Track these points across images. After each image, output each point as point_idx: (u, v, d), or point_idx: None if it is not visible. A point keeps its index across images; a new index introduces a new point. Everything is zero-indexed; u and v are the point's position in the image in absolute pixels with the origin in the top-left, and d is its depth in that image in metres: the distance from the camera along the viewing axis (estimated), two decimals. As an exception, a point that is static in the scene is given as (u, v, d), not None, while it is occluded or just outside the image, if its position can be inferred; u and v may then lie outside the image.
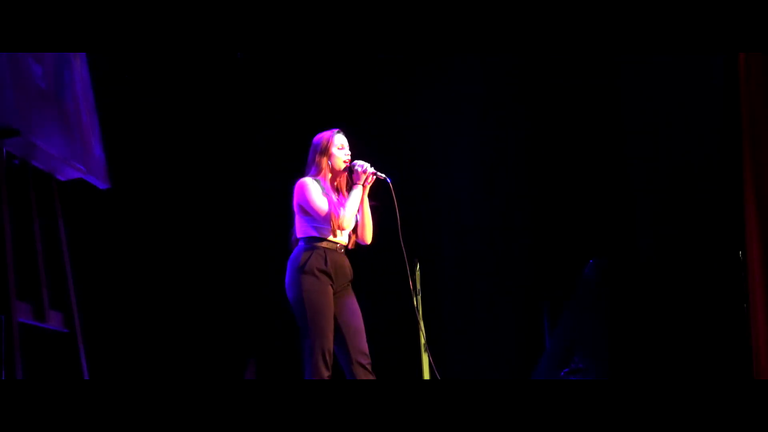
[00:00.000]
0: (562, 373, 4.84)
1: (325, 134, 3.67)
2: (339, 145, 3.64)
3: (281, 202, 5.96)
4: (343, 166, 3.65)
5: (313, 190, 3.58)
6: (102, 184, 3.68)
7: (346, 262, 3.69)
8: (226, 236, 5.93)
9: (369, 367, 3.61)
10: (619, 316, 5.58)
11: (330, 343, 3.53)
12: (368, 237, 3.75)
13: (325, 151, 3.63)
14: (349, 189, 3.65)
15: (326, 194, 3.59)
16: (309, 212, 3.58)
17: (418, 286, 3.95)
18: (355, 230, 3.70)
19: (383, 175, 3.64)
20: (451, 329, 5.90)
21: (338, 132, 3.67)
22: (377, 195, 3.77)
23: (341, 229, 3.57)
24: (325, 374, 3.50)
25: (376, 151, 4.17)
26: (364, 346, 3.64)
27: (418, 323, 3.72)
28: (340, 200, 3.63)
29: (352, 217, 3.57)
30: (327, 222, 3.55)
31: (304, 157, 5.66)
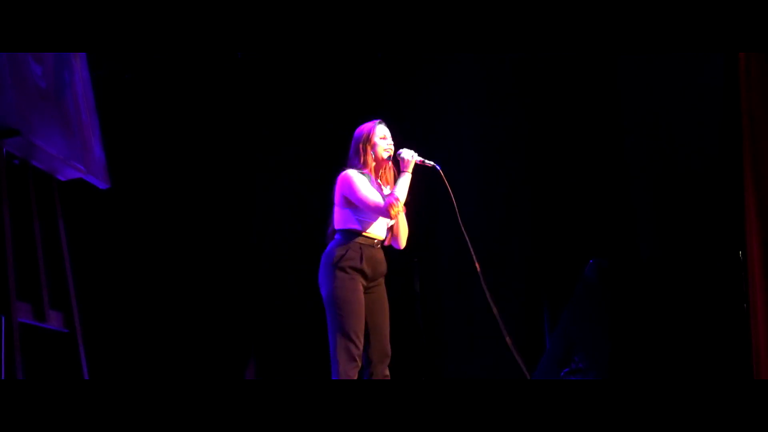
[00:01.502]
0: (562, 373, 4.84)
1: (367, 125, 3.59)
2: (381, 136, 3.57)
3: (281, 201, 5.99)
4: (386, 156, 3.58)
5: (360, 181, 3.49)
6: (102, 184, 3.68)
7: (382, 256, 3.59)
8: (226, 235, 5.94)
9: (387, 370, 3.58)
10: (619, 316, 5.59)
11: (360, 343, 3.46)
12: (403, 240, 3.67)
13: (368, 141, 3.54)
14: (395, 179, 3.59)
15: (372, 185, 3.53)
16: (356, 204, 3.48)
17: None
18: (391, 229, 3.63)
19: (431, 162, 3.56)
20: (451, 329, 5.90)
21: (380, 122, 3.60)
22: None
23: (392, 217, 3.50)
24: (354, 374, 3.44)
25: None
26: (387, 347, 3.59)
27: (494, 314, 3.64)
28: (383, 192, 3.58)
29: (402, 203, 3.48)
30: (376, 212, 3.47)
31: (305, 156, 5.70)
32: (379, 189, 3.57)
